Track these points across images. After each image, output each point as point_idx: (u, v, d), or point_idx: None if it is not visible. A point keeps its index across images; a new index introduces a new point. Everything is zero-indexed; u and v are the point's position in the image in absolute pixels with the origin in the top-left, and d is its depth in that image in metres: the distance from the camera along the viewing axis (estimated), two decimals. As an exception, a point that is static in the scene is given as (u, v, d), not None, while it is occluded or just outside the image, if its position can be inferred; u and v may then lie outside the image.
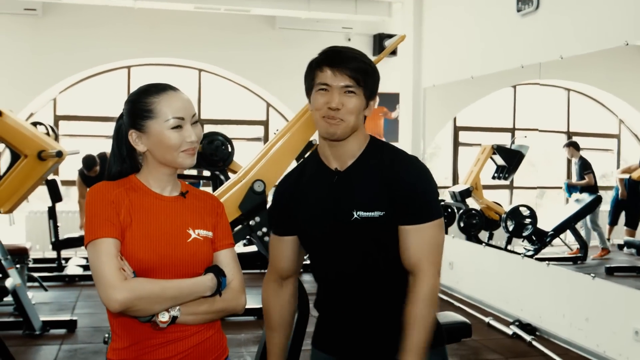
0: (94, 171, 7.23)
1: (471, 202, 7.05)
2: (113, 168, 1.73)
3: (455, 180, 7.59)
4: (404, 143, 7.29)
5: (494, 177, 7.08)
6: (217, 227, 1.77)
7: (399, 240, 1.74)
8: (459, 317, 2.97)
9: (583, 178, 6.28)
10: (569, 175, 6.80)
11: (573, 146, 6.48)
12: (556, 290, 5.07)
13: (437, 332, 1.85)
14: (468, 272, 6.34)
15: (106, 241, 1.58)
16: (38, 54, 8.09)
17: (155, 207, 1.70)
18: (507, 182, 7.15)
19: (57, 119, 8.68)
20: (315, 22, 8.63)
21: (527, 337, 4.97)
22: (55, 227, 6.70)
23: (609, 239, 6.08)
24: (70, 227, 7.56)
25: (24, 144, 5.03)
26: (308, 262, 1.95)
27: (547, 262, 5.31)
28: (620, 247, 5.99)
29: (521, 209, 6.30)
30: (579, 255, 6.07)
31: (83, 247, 1.65)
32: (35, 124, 5.97)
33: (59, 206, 6.92)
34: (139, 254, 1.62)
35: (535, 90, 6.17)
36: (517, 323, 5.23)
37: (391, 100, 8.89)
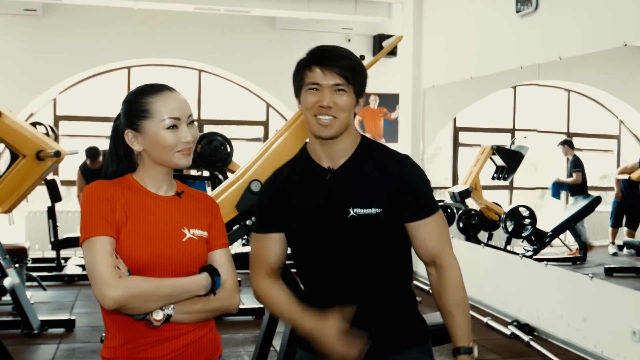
0: (98, 162, 7.22)
1: (471, 203, 7.05)
2: (110, 167, 1.74)
3: (455, 181, 7.58)
4: (404, 144, 7.29)
5: (493, 178, 7.07)
6: (212, 227, 1.78)
7: (411, 237, 1.81)
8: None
9: (572, 176, 6.30)
10: (569, 176, 6.80)
11: (568, 144, 6.48)
12: (554, 290, 5.08)
13: (423, 328, 1.88)
14: (467, 273, 6.24)
15: (101, 239, 1.59)
16: (38, 55, 8.10)
17: (150, 206, 1.71)
18: (506, 183, 7.15)
19: (57, 119, 8.69)
20: (315, 23, 8.64)
21: (525, 337, 4.98)
22: (55, 227, 6.71)
23: (613, 243, 6.05)
24: (69, 227, 7.56)
25: (22, 144, 5.04)
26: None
27: (545, 262, 5.31)
28: (620, 247, 5.98)
29: (520, 209, 6.29)
30: (578, 255, 6.06)
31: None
32: (35, 124, 5.98)
33: (58, 206, 6.93)
34: (134, 253, 1.63)
35: (535, 91, 6.16)
36: (515, 323, 5.23)
37: (391, 101, 8.91)
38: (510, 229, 6.25)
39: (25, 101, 8.01)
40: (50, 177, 6.38)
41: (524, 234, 6.23)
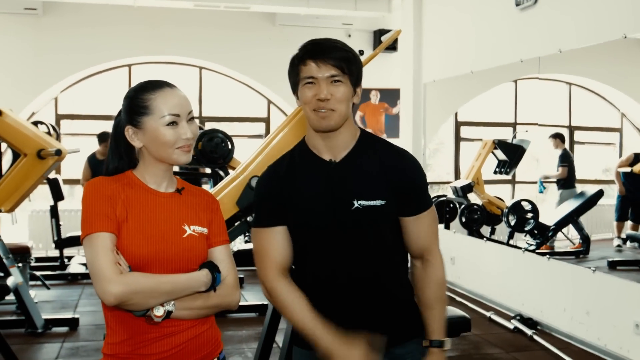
0: (106, 145, 7.18)
1: (473, 197, 7.04)
2: (110, 164, 1.75)
3: (457, 176, 7.58)
4: (405, 139, 7.28)
5: (495, 172, 7.06)
6: (212, 223, 1.78)
7: (404, 230, 1.83)
8: (458, 312, 2.98)
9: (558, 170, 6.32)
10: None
11: (559, 138, 6.49)
12: (557, 284, 5.07)
13: (419, 322, 1.88)
14: (469, 267, 6.34)
15: (102, 235, 1.59)
16: (39, 54, 8.11)
17: (151, 202, 1.71)
18: (508, 177, 7.13)
19: (59, 118, 8.69)
20: (315, 19, 8.64)
21: (528, 332, 4.98)
22: (58, 226, 6.72)
23: (619, 237, 6.04)
24: (72, 226, 7.57)
25: (23, 143, 5.05)
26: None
27: (547, 256, 5.31)
28: (624, 241, 5.98)
29: (523, 203, 6.28)
30: (582, 249, 6.05)
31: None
32: (36, 123, 5.99)
33: (61, 205, 6.93)
34: (135, 249, 1.63)
35: (536, 85, 6.15)
36: (518, 317, 5.23)
37: (392, 96, 8.90)
38: (512, 223, 6.24)
39: (26, 100, 8.03)
40: (52, 175, 6.38)
41: (526, 228, 6.22)
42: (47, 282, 6.43)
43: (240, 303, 1.83)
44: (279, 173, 1.86)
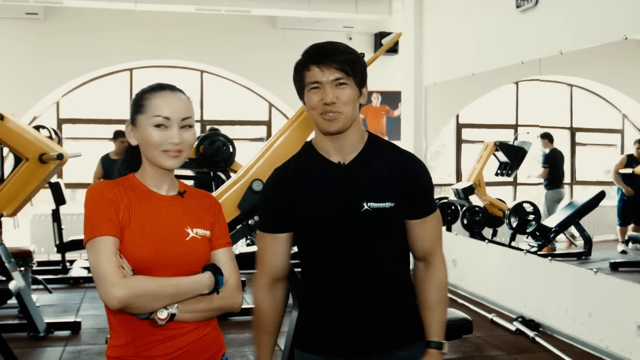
0: (120, 143, 7.15)
1: (474, 199, 7.04)
2: (122, 172, 1.77)
3: (458, 178, 7.58)
4: (406, 141, 7.29)
5: (497, 174, 7.06)
6: (214, 226, 1.78)
7: (409, 233, 1.85)
8: (460, 314, 2.98)
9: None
10: (572, 171, 6.80)
11: (547, 138, 6.49)
12: (559, 285, 5.07)
13: (422, 325, 1.88)
14: (471, 269, 6.34)
15: (105, 239, 1.60)
16: (40, 58, 8.12)
17: (153, 205, 1.72)
18: (510, 179, 7.13)
19: (60, 122, 8.70)
20: (316, 22, 8.64)
21: (530, 333, 4.97)
22: (60, 230, 6.73)
23: (622, 241, 6.02)
24: (74, 230, 7.58)
25: (25, 147, 5.06)
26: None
27: (549, 257, 5.30)
28: (626, 242, 5.97)
29: (524, 205, 6.28)
30: (583, 250, 6.04)
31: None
32: (38, 127, 6.01)
33: (63, 209, 6.94)
34: (138, 252, 1.64)
35: (537, 87, 6.15)
36: (520, 319, 5.23)
37: (393, 99, 8.90)
38: (514, 225, 6.24)
39: (28, 104, 8.04)
40: (54, 179, 6.40)
41: (528, 230, 6.22)
42: (49, 286, 6.44)
43: (243, 306, 1.83)
44: (285, 175, 1.87)
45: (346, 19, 8.69)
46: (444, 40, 6.90)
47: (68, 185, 7.75)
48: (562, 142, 6.73)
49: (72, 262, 7.44)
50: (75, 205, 8.31)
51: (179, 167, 1.74)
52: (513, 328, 5.17)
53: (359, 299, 1.80)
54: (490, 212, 6.90)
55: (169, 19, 8.36)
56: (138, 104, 1.70)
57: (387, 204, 1.76)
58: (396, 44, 7.57)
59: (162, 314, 1.61)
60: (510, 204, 6.60)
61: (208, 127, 7.52)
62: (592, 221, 6.27)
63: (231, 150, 4.70)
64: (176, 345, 1.68)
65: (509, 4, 5.62)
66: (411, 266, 1.93)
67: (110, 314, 1.68)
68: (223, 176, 5.03)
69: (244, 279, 6.42)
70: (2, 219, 5.31)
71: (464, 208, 6.86)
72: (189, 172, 5.08)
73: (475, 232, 6.75)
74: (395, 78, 8.12)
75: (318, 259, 1.84)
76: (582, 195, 6.39)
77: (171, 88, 1.72)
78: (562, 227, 6.30)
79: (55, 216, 6.77)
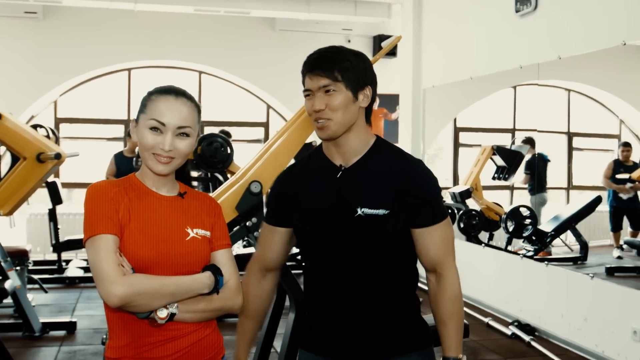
0: (132, 142, 7.11)
1: (471, 203, 7.04)
2: (136, 169, 1.81)
3: (455, 181, 7.58)
4: (404, 144, 7.29)
5: (494, 178, 7.07)
6: (214, 227, 1.79)
7: (415, 242, 1.81)
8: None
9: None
10: (569, 175, 6.80)
11: (529, 143, 6.52)
12: (555, 290, 5.08)
13: (425, 332, 1.88)
14: (467, 273, 6.28)
15: (105, 237, 1.60)
16: (38, 57, 8.12)
17: (153, 205, 1.72)
18: (507, 183, 7.14)
19: (58, 121, 8.69)
20: (315, 24, 8.65)
21: (526, 338, 4.98)
22: (56, 230, 6.71)
23: (617, 247, 6.02)
24: (70, 230, 7.57)
25: (22, 146, 5.04)
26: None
27: (545, 262, 5.31)
28: (621, 247, 5.97)
29: (521, 209, 6.29)
30: (579, 255, 6.05)
31: (83, 249, 1.67)
32: (35, 126, 5.99)
33: (59, 208, 6.92)
34: (138, 251, 1.64)
35: (535, 91, 6.16)
36: (516, 323, 5.23)
37: (391, 102, 8.90)
38: (511, 229, 6.25)
39: (25, 104, 8.03)
40: (51, 179, 6.38)
41: (524, 234, 6.23)
42: (45, 286, 6.41)
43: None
44: (292, 173, 1.93)
45: (345, 22, 8.70)
46: (442, 43, 6.91)
47: (65, 185, 7.74)
48: (559, 147, 6.73)
49: (68, 262, 7.41)
50: (71, 205, 8.29)
51: (169, 173, 1.73)
52: (509, 332, 5.17)
53: (353, 303, 1.80)
54: (486, 216, 6.90)
55: (168, 20, 8.36)
56: (143, 104, 1.72)
57: (381, 211, 1.74)
58: (395, 46, 7.59)
59: (162, 313, 1.61)
60: (507, 208, 6.61)
61: (219, 130, 7.50)
62: (588, 226, 6.28)
63: (229, 151, 4.70)
64: (176, 347, 1.67)
65: (508, 9, 5.64)
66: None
67: (110, 313, 1.68)
68: (220, 177, 5.03)
69: (241, 280, 6.40)
70: (-1, 218, 5.30)
71: (461, 212, 6.87)
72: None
73: (471, 235, 6.76)
74: (393, 81, 8.12)
75: (317, 260, 1.86)
76: (579, 200, 6.40)
77: (177, 93, 1.71)
78: (559, 231, 6.32)
79: (52, 216, 6.75)
